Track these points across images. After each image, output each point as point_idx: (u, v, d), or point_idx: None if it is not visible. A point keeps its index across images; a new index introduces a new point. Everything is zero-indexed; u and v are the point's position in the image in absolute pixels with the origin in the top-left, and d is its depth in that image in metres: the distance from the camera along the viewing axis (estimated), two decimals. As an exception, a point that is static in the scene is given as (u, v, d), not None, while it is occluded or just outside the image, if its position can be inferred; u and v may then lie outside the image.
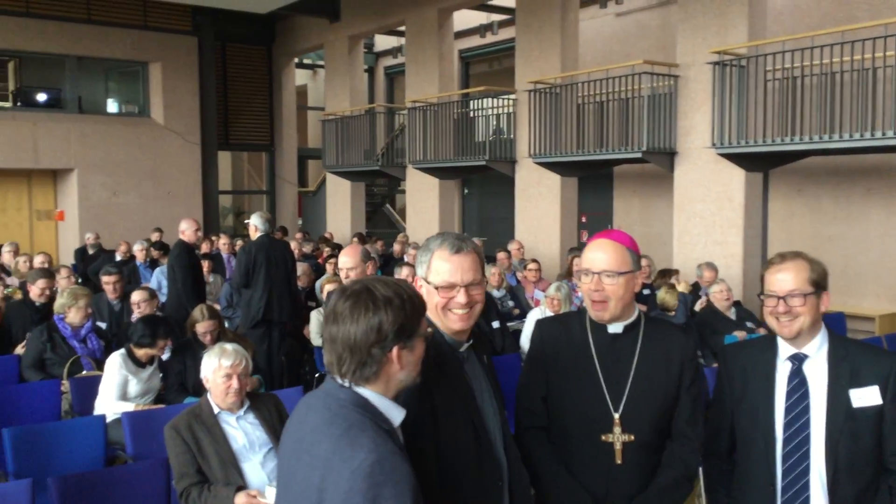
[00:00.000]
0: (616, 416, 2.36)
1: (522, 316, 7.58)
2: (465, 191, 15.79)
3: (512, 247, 9.90)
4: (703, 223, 9.37)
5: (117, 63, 15.15)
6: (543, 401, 2.44)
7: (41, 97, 14.26)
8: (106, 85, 15.63)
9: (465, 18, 14.88)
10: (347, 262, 4.76)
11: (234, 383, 3.46)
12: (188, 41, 15.15)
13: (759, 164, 9.01)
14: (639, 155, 9.52)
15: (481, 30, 15.47)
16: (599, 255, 2.37)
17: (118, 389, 4.71)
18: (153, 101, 15.15)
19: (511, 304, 8.00)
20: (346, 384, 1.69)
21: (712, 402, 2.64)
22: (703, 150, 9.20)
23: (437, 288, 2.07)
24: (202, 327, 5.14)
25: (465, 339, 2.13)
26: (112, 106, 15.60)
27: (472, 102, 12.48)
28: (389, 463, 1.55)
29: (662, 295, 6.81)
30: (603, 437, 2.36)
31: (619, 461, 2.36)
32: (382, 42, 18.44)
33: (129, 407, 4.61)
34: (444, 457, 1.94)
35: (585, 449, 2.38)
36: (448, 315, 2.07)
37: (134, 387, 4.78)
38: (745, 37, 8.78)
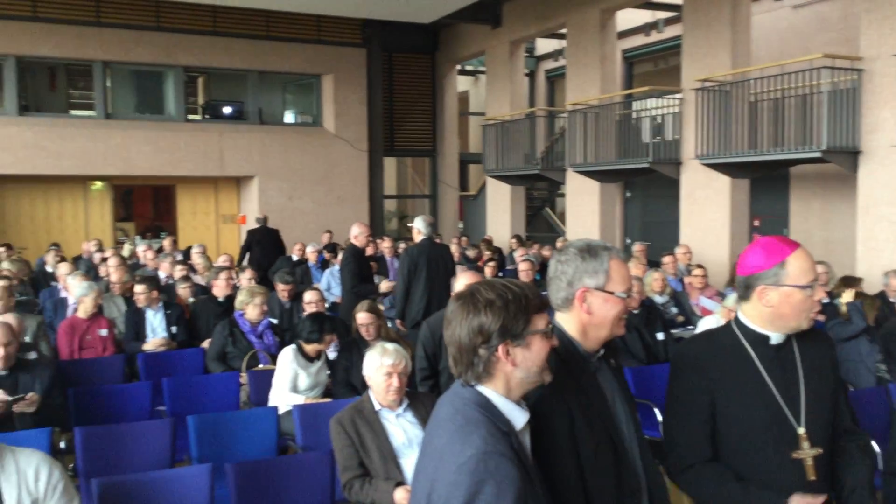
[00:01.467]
0: (801, 430, 2.24)
1: (687, 323, 7.29)
2: (628, 194, 15.42)
3: (679, 251, 9.55)
4: (891, 228, 8.62)
5: (293, 76, 16.09)
6: (705, 429, 2.28)
7: (226, 110, 15.39)
8: (283, 97, 16.64)
9: (628, 18, 14.55)
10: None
11: (395, 382, 3.58)
12: (357, 53, 15.83)
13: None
14: (818, 154, 8.91)
15: (646, 28, 15.08)
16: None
17: (290, 383, 4.99)
18: (325, 111, 15.95)
19: (674, 310, 7.71)
20: (470, 383, 1.77)
21: None
22: (891, 148, 8.46)
23: (623, 296, 2.01)
24: (361, 319, 5.33)
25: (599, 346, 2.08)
26: (289, 116, 16.58)
27: (635, 103, 12.16)
28: (494, 462, 1.60)
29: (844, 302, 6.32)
30: (794, 455, 2.23)
31: (812, 477, 2.23)
32: (543, 45, 18.39)
33: (300, 399, 4.87)
34: (582, 469, 1.89)
35: (772, 470, 2.23)
36: (619, 323, 2.03)
37: (304, 380, 5.05)
38: (943, 23, 8.00)
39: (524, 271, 8.41)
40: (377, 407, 3.61)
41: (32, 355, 5.03)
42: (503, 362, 1.74)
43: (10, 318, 5.06)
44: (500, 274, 9.28)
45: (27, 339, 5.63)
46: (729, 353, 2.30)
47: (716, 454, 2.28)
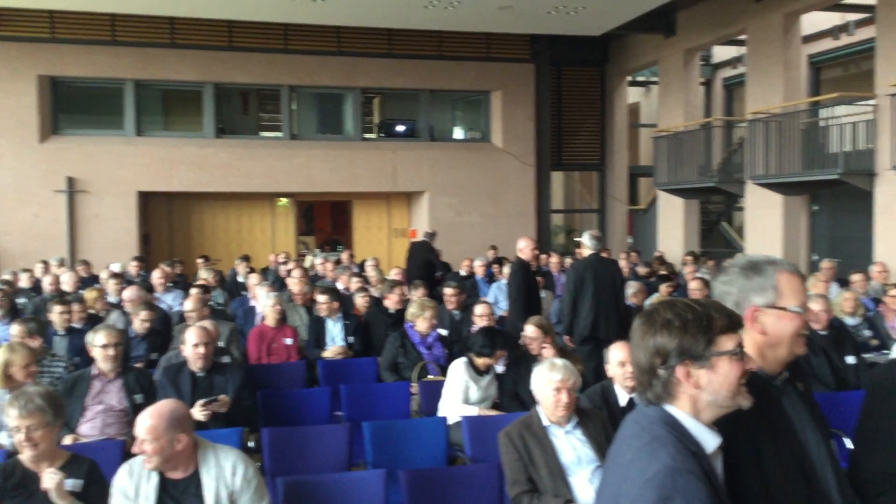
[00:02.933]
0: None
1: (882, 347, 6.70)
2: (814, 207, 14.42)
3: (874, 269, 8.81)
4: None
5: (463, 94, 16.45)
6: None
7: (400, 128, 15.99)
8: (453, 114, 17.05)
9: (814, 21, 13.64)
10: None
11: (563, 397, 3.55)
12: (526, 68, 15.93)
13: None
14: None
15: (834, 31, 14.06)
16: None
17: (460, 395, 5.08)
18: (493, 127, 16.17)
19: (868, 333, 7.11)
20: (655, 402, 1.75)
21: None
22: None
23: (798, 311, 1.91)
24: (529, 333, 5.34)
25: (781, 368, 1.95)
26: (458, 133, 16.95)
27: (822, 111, 11.39)
28: (683, 479, 1.56)
29: None
30: None
31: None
32: (721, 53, 17.64)
33: (471, 411, 4.95)
34: (773, 498, 1.79)
35: None
36: (797, 341, 1.92)
37: (474, 393, 5.12)
38: None
39: (695, 290, 8.03)
40: (545, 422, 3.60)
41: (226, 359, 5.45)
42: (684, 384, 1.70)
43: (207, 323, 5.53)
44: (674, 292, 8.94)
45: (221, 343, 6.12)
46: None
47: None
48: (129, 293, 7.45)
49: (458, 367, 5.15)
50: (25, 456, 3.28)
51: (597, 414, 3.78)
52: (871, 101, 10.50)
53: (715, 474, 1.67)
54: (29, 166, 13.43)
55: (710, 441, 1.70)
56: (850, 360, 5.72)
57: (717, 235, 17.21)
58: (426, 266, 11.35)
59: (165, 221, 15.25)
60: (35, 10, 13.02)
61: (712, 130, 14.02)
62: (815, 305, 5.58)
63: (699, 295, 7.91)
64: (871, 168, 10.45)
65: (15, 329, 5.46)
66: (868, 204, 10.67)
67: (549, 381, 3.58)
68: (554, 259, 11.35)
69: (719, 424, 1.76)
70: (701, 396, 1.70)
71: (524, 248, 7.38)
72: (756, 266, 1.95)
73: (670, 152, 14.35)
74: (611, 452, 1.81)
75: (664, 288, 8.75)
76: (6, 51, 13.29)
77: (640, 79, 19.07)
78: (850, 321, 6.83)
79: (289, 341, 6.64)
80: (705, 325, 1.71)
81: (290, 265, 10.53)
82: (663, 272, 10.44)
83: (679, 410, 1.72)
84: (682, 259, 12.92)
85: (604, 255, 7.56)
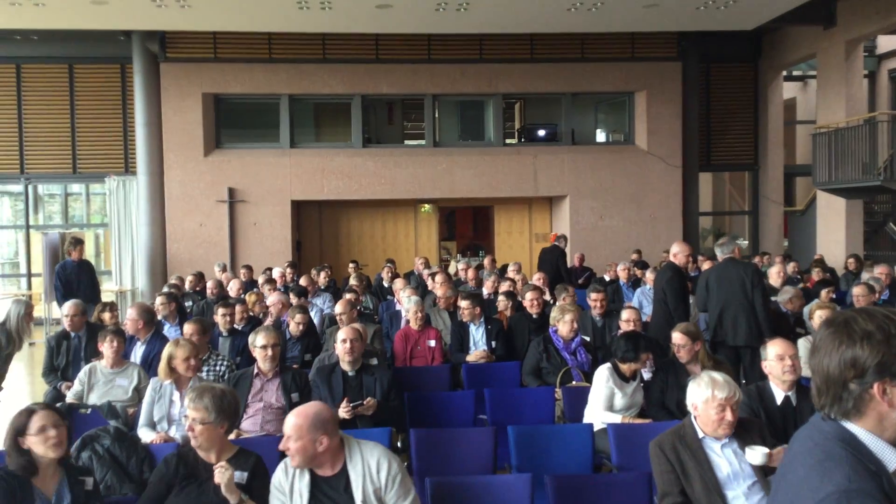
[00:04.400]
0: None
1: None
2: None
3: None
4: None
5: (606, 95, 16.19)
6: None
7: (541, 132, 15.94)
8: (595, 116, 16.81)
9: None
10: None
11: (728, 415, 3.42)
12: (672, 67, 15.46)
13: None
14: None
15: None
16: None
17: (605, 401, 5.01)
18: (637, 129, 15.79)
19: None
20: (832, 417, 1.64)
21: None
22: None
23: None
24: (676, 339, 5.18)
25: None
26: (600, 135, 16.70)
27: None
28: (859, 501, 1.46)
29: None
30: None
31: None
32: (886, 43, 16.40)
33: (616, 418, 4.87)
34: None
35: None
36: None
37: (619, 400, 5.04)
38: None
39: (859, 296, 7.50)
40: (700, 434, 3.47)
41: (374, 360, 5.65)
42: (878, 401, 1.59)
43: (356, 324, 5.76)
44: (833, 297, 8.39)
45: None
46: None
47: None
48: (273, 298, 7.87)
49: (602, 373, 5.08)
50: (193, 444, 3.56)
51: (755, 424, 3.61)
52: None
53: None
54: (195, 178, 14.48)
55: (892, 459, 1.59)
56: None
57: (883, 237, 15.99)
58: (556, 272, 11.28)
59: (316, 228, 15.98)
60: (200, 33, 14.06)
61: (877, 125, 13.04)
62: None
63: (864, 302, 7.39)
64: None
65: (187, 327, 5.91)
66: None
67: (711, 398, 3.43)
68: (706, 265, 10.86)
69: None
70: (891, 415, 1.59)
71: (678, 253, 7.33)
72: None
73: (830, 150, 13.50)
74: (781, 467, 1.74)
75: (824, 293, 8.24)
76: (174, 71, 14.40)
77: (796, 73, 18.05)
78: None
79: (432, 343, 6.78)
80: None
81: (434, 269, 10.73)
82: (819, 275, 9.82)
83: (860, 428, 1.61)
84: (844, 263, 12.11)
85: (737, 257, 7.32)
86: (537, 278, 9.72)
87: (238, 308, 7.33)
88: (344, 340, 5.11)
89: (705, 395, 3.45)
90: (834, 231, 14.15)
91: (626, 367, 5.09)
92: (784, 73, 16.81)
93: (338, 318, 6.77)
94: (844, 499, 1.48)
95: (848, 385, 1.60)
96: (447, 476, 3.79)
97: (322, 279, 10.72)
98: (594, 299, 7.45)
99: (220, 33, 14.20)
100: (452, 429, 4.73)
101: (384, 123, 16.48)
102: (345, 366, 5.13)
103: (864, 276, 9.65)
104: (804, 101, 18.52)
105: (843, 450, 1.57)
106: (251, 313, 7.81)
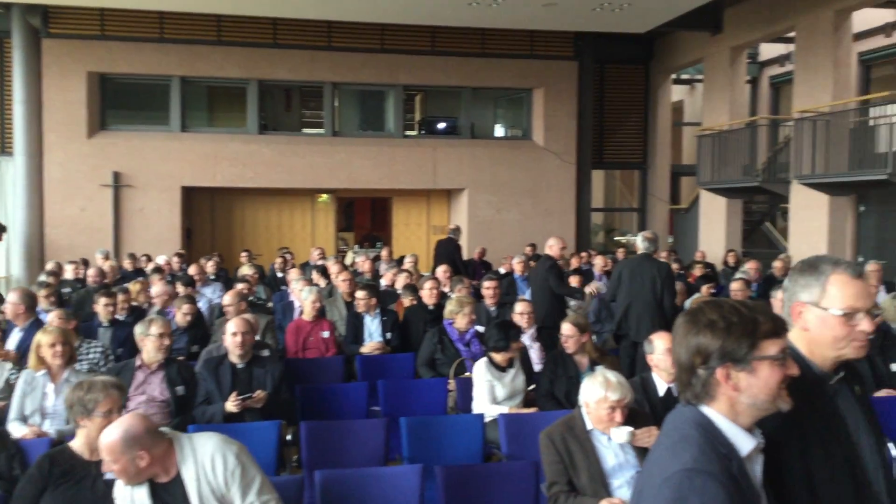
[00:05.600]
0: None
1: (933, 354, 6.50)
2: (861, 208, 14.08)
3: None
4: None
5: (505, 91, 16.39)
6: None
7: (441, 125, 15.99)
8: (494, 111, 17.00)
9: (866, 18, 13.32)
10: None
11: (617, 416, 3.50)
12: (569, 66, 15.82)
13: None
14: None
15: (886, 29, 13.72)
16: None
17: (488, 394, 5.07)
18: (535, 125, 16.08)
19: (918, 339, 6.91)
20: (690, 402, 1.75)
21: None
22: None
23: (843, 315, 1.88)
24: (564, 330, 5.28)
25: (835, 369, 1.93)
26: (499, 130, 16.91)
27: (872, 110, 11.11)
28: (701, 480, 1.56)
29: None
30: None
31: None
32: (768, 50, 17.32)
33: (502, 410, 4.93)
34: (818, 499, 1.76)
35: None
36: (850, 345, 1.89)
37: (500, 391, 5.10)
38: None
39: (736, 291, 7.91)
40: (589, 426, 3.56)
41: (265, 352, 5.51)
42: (724, 386, 1.70)
43: (247, 315, 5.61)
44: (714, 292, 8.80)
45: (257, 337, 6.19)
46: None
47: None
48: (157, 289, 7.56)
49: (480, 367, 5.15)
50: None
51: (643, 416, 3.73)
52: (925, 100, 10.23)
53: (747, 476, 1.65)
54: (77, 161, 13.74)
55: (745, 443, 1.68)
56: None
57: (759, 236, 16.91)
58: (452, 265, 11.37)
59: (208, 216, 15.48)
60: (85, 8, 13.30)
61: (758, 129, 13.77)
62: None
63: (741, 296, 7.78)
64: (924, 169, 10.17)
65: (50, 316, 5.63)
66: (919, 206, 10.41)
67: (604, 399, 3.50)
68: (598, 260, 11.16)
69: (768, 419, 1.74)
70: (739, 399, 1.69)
71: (553, 246, 7.78)
72: (814, 264, 1.97)
73: (714, 151, 14.14)
74: (650, 450, 1.83)
75: (705, 288, 8.63)
76: (57, 48, 13.60)
77: (684, 77, 18.82)
78: (898, 326, 6.65)
79: (326, 335, 6.68)
80: (750, 328, 1.70)
81: (330, 261, 10.58)
82: (700, 271, 10.28)
83: (715, 412, 1.71)
84: (723, 259, 12.73)
85: (654, 255, 7.60)
86: (442, 271, 9.71)
87: (120, 297, 7.00)
88: (234, 334, 4.94)
89: (598, 395, 3.52)
90: (715, 229, 14.85)
91: (499, 357, 5.14)
92: (673, 76, 17.50)
93: (225, 308, 6.57)
94: (686, 477, 1.56)
95: (696, 371, 1.70)
96: (337, 469, 3.75)
97: (210, 267, 10.36)
98: (487, 287, 7.53)
99: (107, 9, 13.49)
100: (344, 421, 4.68)
101: (282, 110, 16.14)
102: (234, 358, 4.97)
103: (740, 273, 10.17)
104: (691, 103, 19.33)
105: (696, 432, 1.66)
106: (134, 303, 7.48)
